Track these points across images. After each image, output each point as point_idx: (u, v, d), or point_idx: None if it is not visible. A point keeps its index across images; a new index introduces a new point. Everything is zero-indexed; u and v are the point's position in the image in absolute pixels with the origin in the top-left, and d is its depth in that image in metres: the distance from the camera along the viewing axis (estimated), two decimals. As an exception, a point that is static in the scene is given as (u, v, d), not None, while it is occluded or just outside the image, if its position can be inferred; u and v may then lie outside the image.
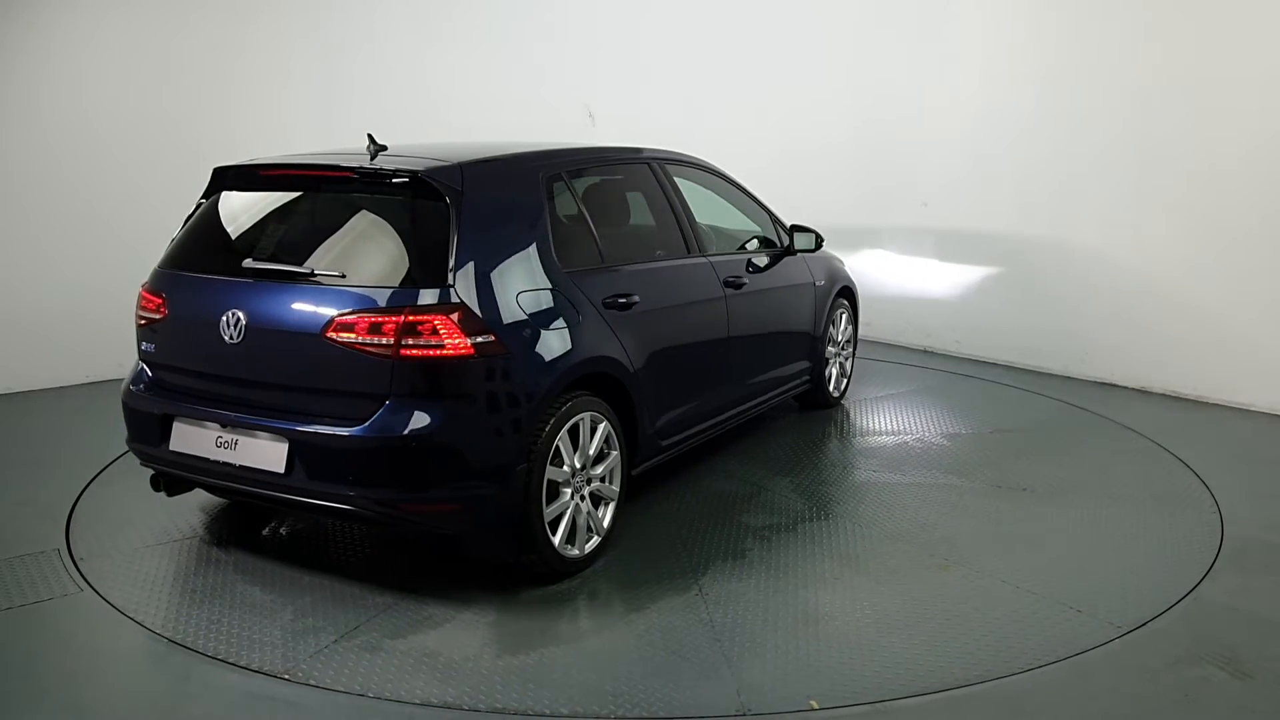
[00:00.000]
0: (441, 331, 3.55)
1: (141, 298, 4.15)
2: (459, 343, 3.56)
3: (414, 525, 3.78)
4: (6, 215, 6.48)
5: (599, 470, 4.11)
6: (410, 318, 3.54)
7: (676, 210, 5.00)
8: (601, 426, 4.08)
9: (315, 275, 3.74)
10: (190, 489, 4.32)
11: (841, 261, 6.64)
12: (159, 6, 6.89)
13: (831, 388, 6.45)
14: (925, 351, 8.17)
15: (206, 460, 3.85)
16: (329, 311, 3.61)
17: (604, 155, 4.79)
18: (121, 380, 4.40)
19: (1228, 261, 6.47)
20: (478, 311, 3.63)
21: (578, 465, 3.99)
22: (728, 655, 3.46)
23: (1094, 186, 7.10)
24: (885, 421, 6.32)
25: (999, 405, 6.75)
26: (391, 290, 3.61)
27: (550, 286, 3.98)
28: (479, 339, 3.60)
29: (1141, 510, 4.83)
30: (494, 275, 3.76)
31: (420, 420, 3.54)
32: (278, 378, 3.75)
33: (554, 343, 3.89)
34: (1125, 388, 7.02)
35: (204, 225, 4.22)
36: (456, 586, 3.91)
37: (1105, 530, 4.60)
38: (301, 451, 3.65)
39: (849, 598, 3.89)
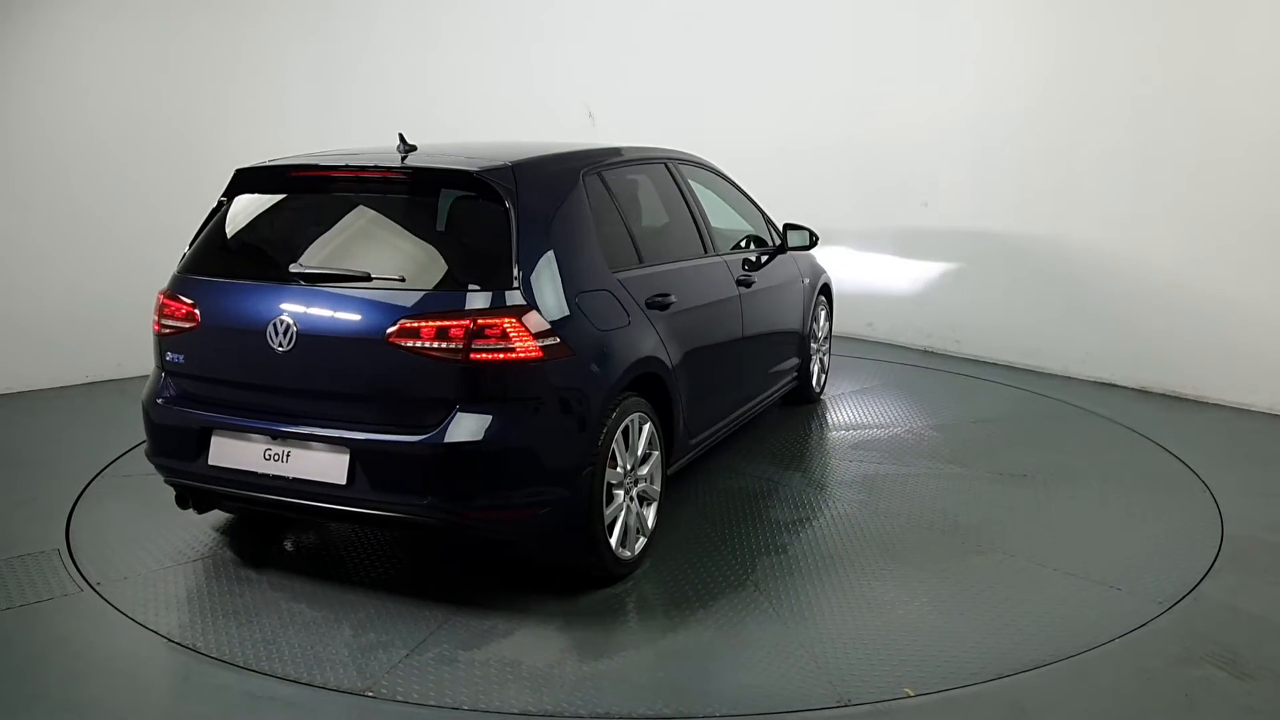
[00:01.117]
0: (511, 334, 3.47)
1: (164, 305, 3.95)
2: (528, 345, 3.50)
3: (480, 532, 3.69)
4: (7, 215, 6.48)
5: (644, 471, 4.09)
6: (480, 321, 3.46)
7: (693, 209, 5.03)
8: (646, 427, 4.07)
9: (372, 279, 3.62)
10: (215, 505, 4.19)
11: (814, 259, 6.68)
12: (159, 8, 6.89)
13: (814, 383, 6.55)
14: (925, 351, 8.17)
15: (253, 474, 3.68)
16: (391, 316, 3.50)
17: (628, 155, 4.75)
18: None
19: (1228, 261, 6.47)
20: (543, 313, 3.57)
21: (628, 466, 3.98)
22: (807, 648, 3.50)
23: (1094, 186, 7.10)
24: (869, 415, 6.43)
25: (974, 398, 6.89)
26: (457, 293, 3.51)
27: (605, 287, 3.95)
28: (546, 341, 3.54)
29: (1139, 495, 4.97)
30: (555, 276, 3.69)
31: (492, 425, 3.47)
32: (334, 386, 3.61)
33: (613, 344, 3.87)
34: (1125, 388, 7.02)
35: (233, 229, 4.05)
36: (508, 595, 3.85)
37: (1115, 512, 4.79)
38: (365, 461, 3.52)
39: (902, 586, 3.98)
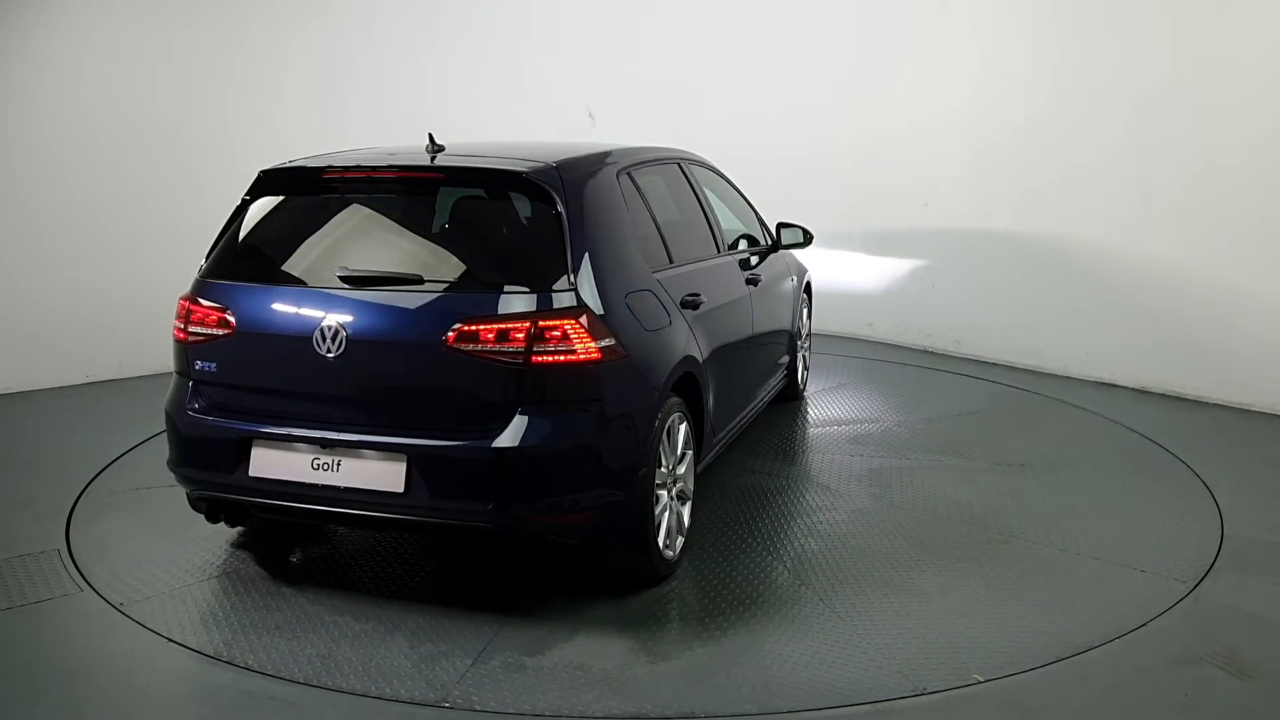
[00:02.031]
0: (572, 336, 3.44)
1: (191, 311, 3.80)
2: (589, 347, 3.47)
3: (540, 537, 3.63)
4: (7, 215, 6.48)
5: (681, 470, 4.09)
6: (541, 323, 3.41)
7: (706, 209, 5.05)
8: (683, 426, 4.06)
9: (426, 282, 3.55)
10: (245, 518, 4.11)
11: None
12: (158, 7, 6.89)
13: (799, 380, 6.62)
14: (925, 351, 8.17)
15: (300, 485, 3.57)
16: (448, 319, 3.43)
17: (649, 155, 4.73)
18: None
19: (1228, 261, 6.46)
20: (600, 315, 3.54)
21: (670, 466, 3.97)
22: (868, 640, 3.55)
23: (1094, 186, 7.10)
24: (855, 410, 6.52)
25: (953, 393, 7.00)
26: (514, 295, 3.46)
27: (648, 288, 3.94)
28: (604, 342, 3.52)
29: (1134, 480, 5.19)
30: (606, 277, 3.65)
31: (555, 428, 3.44)
32: (389, 392, 3.54)
33: (660, 344, 3.86)
34: (1125, 388, 7.02)
35: (262, 231, 3.94)
36: (554, 600, 3.82)
37: (1116, 498, 4.97)
38: (424, 468, 3.44)
39: (943, 575, 4.06)
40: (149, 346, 6.98)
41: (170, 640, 3.48)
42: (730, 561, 4.18)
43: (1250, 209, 6.33)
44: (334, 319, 3.52)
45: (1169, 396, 6.81)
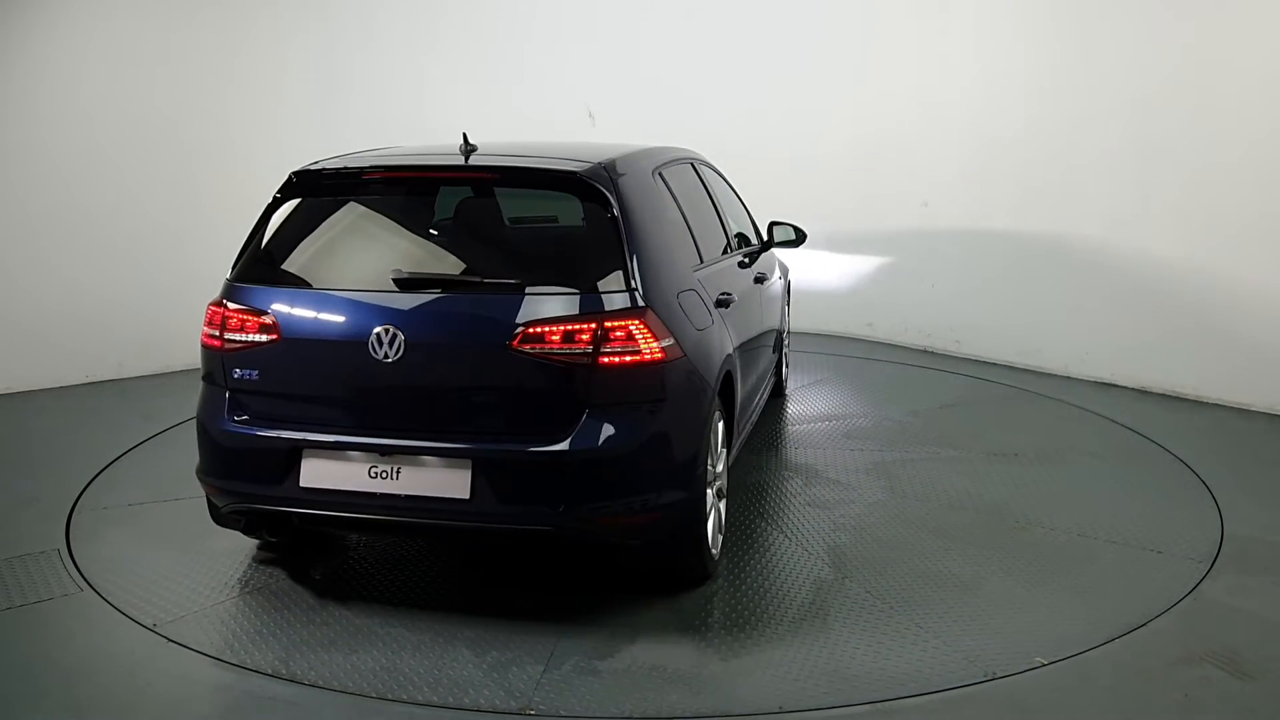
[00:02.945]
0: (637, 337, 3.41)
1: (227, 318, 3.65)
2: (652, 347, 3.44)
3: (603, 539, 3.59)
4: (7, 215, 6.48)
5: (719, 467, 4.08)
6: (607, 324, 3.38)
7: (720, 208, 5.07)
8: (720, 425, 4.05)
9: (486, 283, 3.50)
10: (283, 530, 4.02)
11: None
12: (157, 8, 6.89)
13: (783, 378, 6.64)
14: (925, 351, 8.17)
15: (357, 494, 3.46)
16: (513, 321, 3.37)
17: (673, 155, 4.72)
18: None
19: (1228, 261, 6.46)
20: (660, 314, 3.52)
21: (716, 465, 3.97)
22: (926, 629, 3.63)
23: (1094, 186, 7.10)
24: (840, 406, 6.59)
25: (928, 387, 7.10)
26: (577, 296, 3.41)
27: (693, 287, 3.92)
28: (665, 342, 3.49)
29: (1125, 467, 5.39)
30: (660, 277, 3.62)
31: (623, 430, 3.41)
32: (450, 396, 3.46)
33: (710, 343, 3.85)
34: (1125, 388, 7.02)
35: (299, 234, 3.83)
36: (604, 602, 3.81)
37: (1111, 484, 5.14)
38: (490, 473, 3.38)
39: (975, 564, 4.17)
40: (149, 347, 7.00)
41: (221, 660, 3.38)
42: (766, 558, 4.21)
43: (1250, 208, 6.33)
44: (391, 323, 3.42)
45: (1169, 396, 6.81)
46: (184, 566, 4.08)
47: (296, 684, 3.22)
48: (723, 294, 4.26)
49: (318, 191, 3.87)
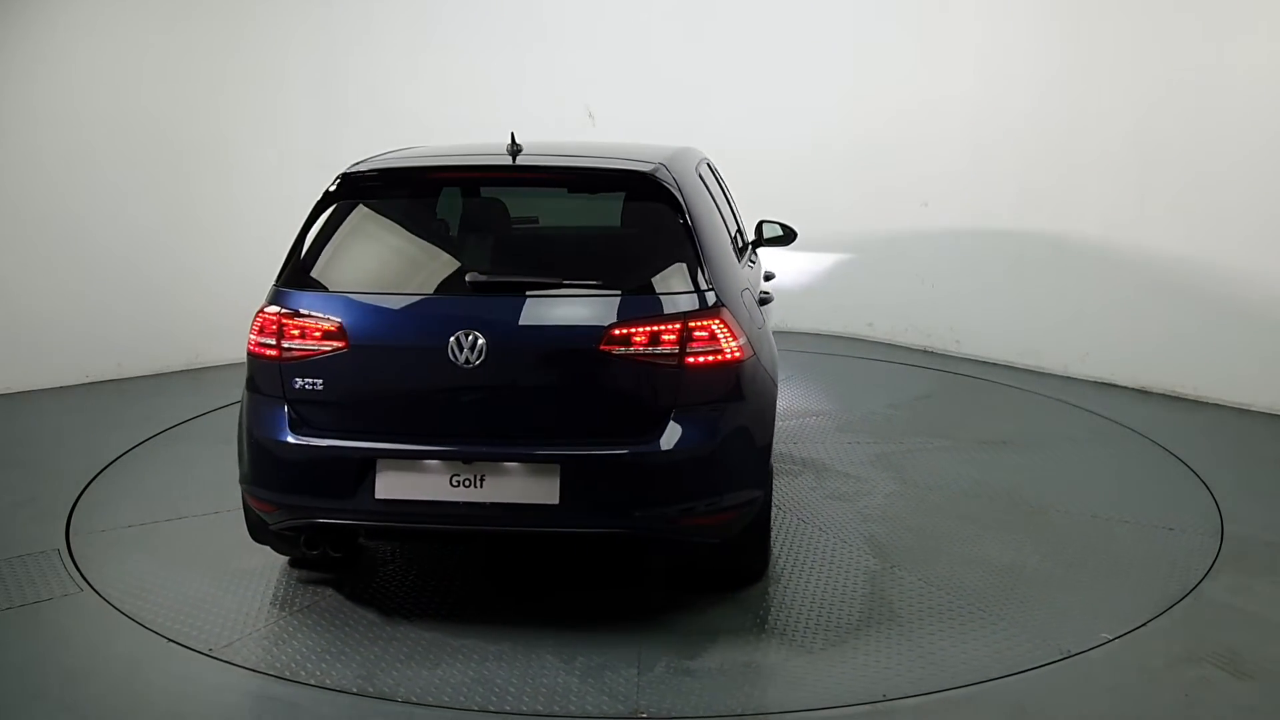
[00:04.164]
0: (719, 336, 3.40)
1: (285, 327, 3.46)
2: (731, 347, 3.43)
3: (690, 540, 3.58)
4: (6, 215, 6.48)
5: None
6: (690, 324, 3.36)
7: (734, 206, 5.09)
8: None
9: (565, 285, 3.46)
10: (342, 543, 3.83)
11: None
12: (151, 9, 6.88)
13: None
14: (925, 351, 8.17)
15: (438, 504, 3.36)
16: (597, 324, 3.33)
17: (696, 154, 4.69)
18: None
19: (1228, 261, 6.46)
20: (733, 314, 3.51)
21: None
22: (989, 610, 3.75)
23: (1094, 186, 7.09)
24: (821, 401, 6.67)
25: (896, 381, 7.21)
26: (662, 296, 3.40)
27: (747, 286, 3.91)
28: (741, 341, 3.48)
29: (1111, 450, 5.59)
30: (725, 276, 3.62)
31: (709, 430, 3.40)
32: (535, 400, 3.41)
33: (766, 341, 3.85)
34: (1125, 388, 7.01)
35: (357, 237, 3.73)
36: (671, 603, 3.81)
37: (1102, 467, 5.36)
38: (579, 477, 3.33)
39: (1010, 548, 4.29)
40: (147, 347, 7.00)
41: (300, 682, 3.25)
42: (809, 552, 4.25)
43: (1251, 208, 6.33)
44: (471, 327, 3.33)
45: (1169, 396, 6.81)
46: (218, 588, 3.89)
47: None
48: (764, 293, 4.27)
49: (369, 193, 3.76)
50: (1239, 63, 6.31)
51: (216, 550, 4.20)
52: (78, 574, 4.00)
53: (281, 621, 3.66)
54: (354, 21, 7.78)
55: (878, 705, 3.16)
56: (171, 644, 3.49)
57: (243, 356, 3.67)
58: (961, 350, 8.03)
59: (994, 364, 7.72)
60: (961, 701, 3.18)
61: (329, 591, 3.88)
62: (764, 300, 4.22)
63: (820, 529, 4.48)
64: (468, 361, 3.31)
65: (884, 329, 8.51)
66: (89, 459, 5.30)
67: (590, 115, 8.62)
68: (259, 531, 3.86)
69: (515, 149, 3.85)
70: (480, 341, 3.31)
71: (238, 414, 3.70)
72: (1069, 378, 7.29)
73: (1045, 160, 7.34)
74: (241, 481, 3.65)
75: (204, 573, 4.02)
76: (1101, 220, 7.07)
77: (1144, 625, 3.65)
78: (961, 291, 8.01)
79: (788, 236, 5.61)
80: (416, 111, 7.69)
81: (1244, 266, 6.40)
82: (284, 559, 4.07)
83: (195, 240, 7.14)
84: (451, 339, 3.32)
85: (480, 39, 8.29)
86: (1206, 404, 6.63)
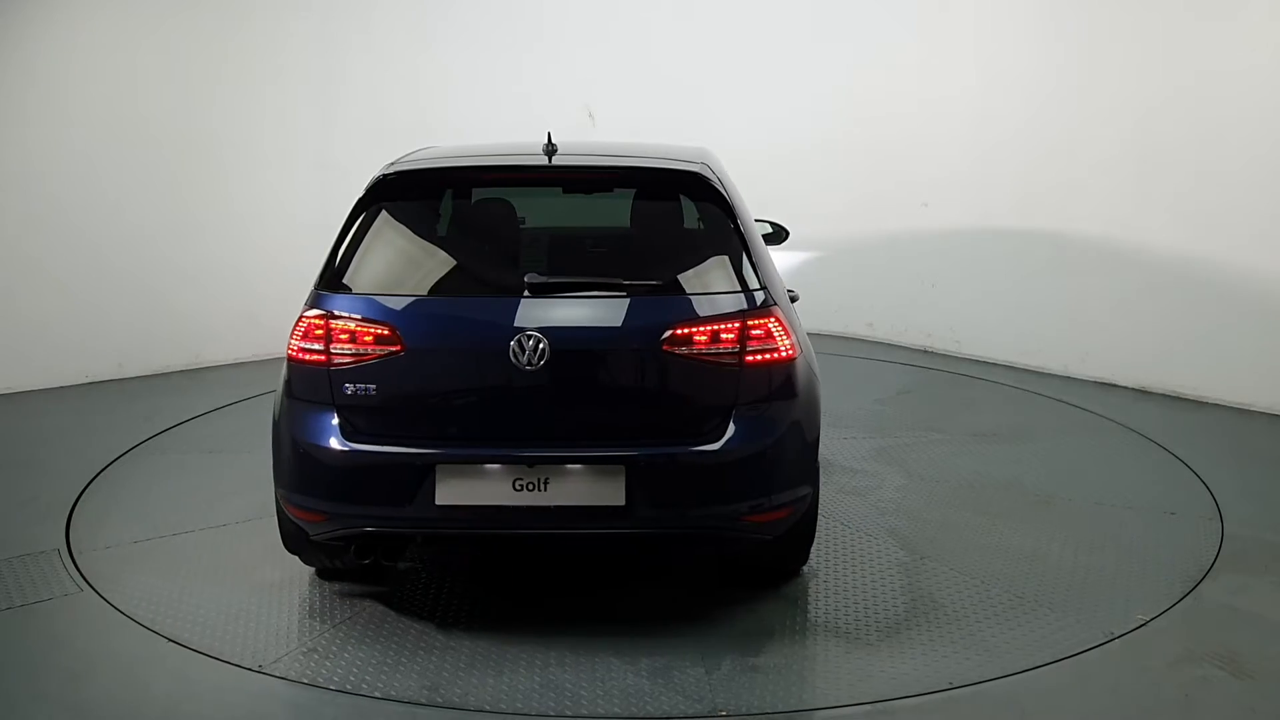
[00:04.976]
0: (775, 334, 3.43)
1: (334, 332, 3.36)
2: (785, 345, 3.46)
3: (746, 536, 3.58)
4: (7, 215, 6.47)
5: None
6: (749, 323, 3.38)
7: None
8: None
9: (625, 286, 3.44)
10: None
11: None
12: (149, 8, 6.87)
13: None
14: (925, 351, 8.17)
15: (501, 509, 3.33)
16: (658, 323, 3.32)
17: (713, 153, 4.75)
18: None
19: (1228, 261, 6.46)
20: (784, 312, 3.54)
21: None
22: (1027, 596, 3.85)
23: (1095, 186, 7.09)
24: None
25: (871, 376, 7.31)
26: (719, 296, 3.43)
27: (785, 285, 3.92)
28: (792, 340, 3.51)
29: (1097, 440, 5.74)
30: (772, 275, 3.64)
31: (768, 427, 3.44)
32: (599, 402, 3.41)
33: (806, 340, 3.85)
34: (1125, 388, 7.01)
35: (403, 239, 3.70)
36: (710, 599, 3.83)
37: (1091, 454, 5.53)
38: (645, 478, 3.32)
39: (1029, 536, 4.39)
40: (148, 347, 6.99)
41: (364, 695, 3.18)
42: (838, 546, 4.27)
43: (1251, 208, 6.33)
44: (532, 329, 3.28)
45: (1169, 396, 6.81)
46: (248, 601, 3.77)
47: (461, 710, 3.10)
48: (790, 289, 4.27)
49: (410, 194, 3.73)
50: (1240, 64, 6.31)
51: (236, 563, 4.10)
52: (78, 574, 4.00)
53: (326, 635, 3.56)
54: (354, 21, 7.78)
55: (877, 705, 3.16)
56: (213, 659, 3.39)
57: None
58: (962, 350, 8.02)
59: (994, 364, 7.72)
60: (962, 701, 3.18)
61: (366, 603, 3.78)
62: (793, 298, 4.24)
63: (843, 524, 4.52)
64: (530, 364, 3.27)
65: (884, 329, 8.51)
66: (89, 459, 5.29)
67: (590, 115, 8.62)
68: (294, 541, 3.76)
69: (551, 149, 3.82)
70: (543, 343, 3.28)
71: (272, 422, 3.60)
72: (1069, 377, 7.29)
73: (1046, 160, 7.34)
74: (281, 490, 3.55)
75: (229, 586, 3.90)
76: (1102, 220, 7.07)
77: (1144, 625, 3.65)
78: (961, 291, 8.01)
79: (779, 235, 5.56)
80: (417, 112, 7.68)
81: (1245, 267, 6.40)
82: (309, 570, 3.96)
83: (195, 240, 7.13)
84: (513, 341, 3.28)
85: (480, 39, 8.28)
86: (1206, 404, 6.62)
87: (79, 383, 6.76)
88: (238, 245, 7.26)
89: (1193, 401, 6.68)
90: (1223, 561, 4.19)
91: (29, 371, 6.58)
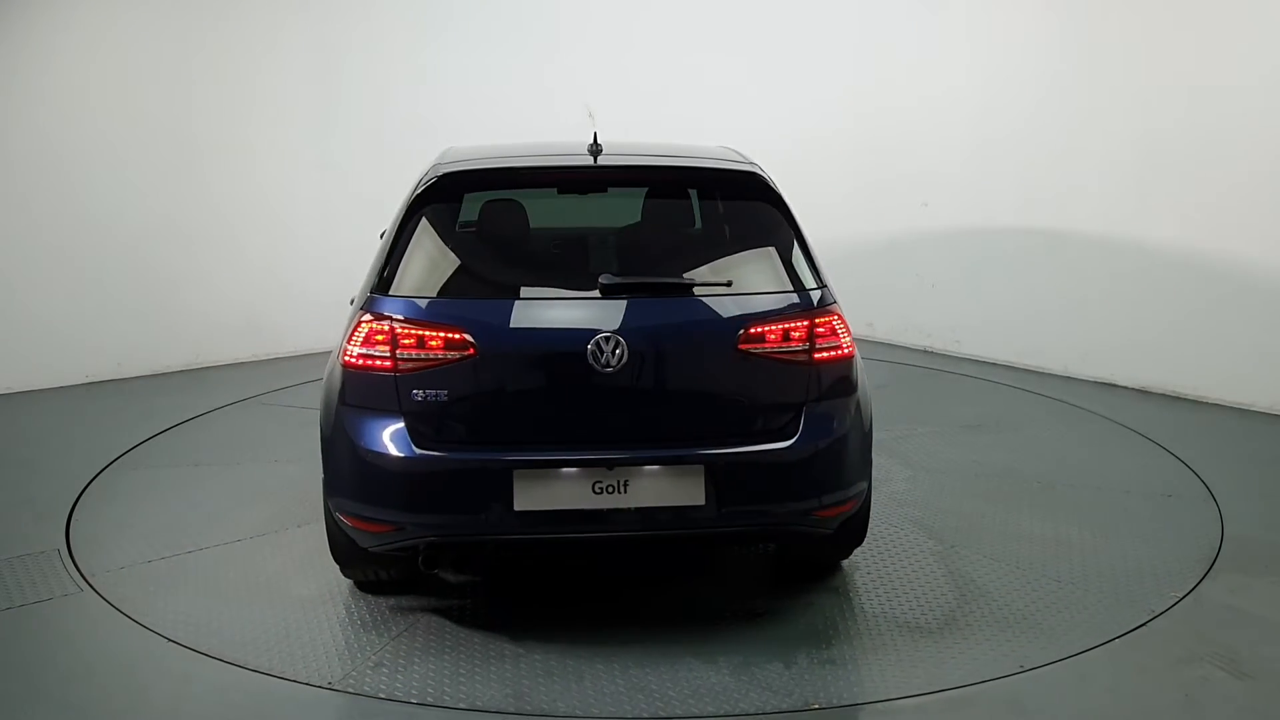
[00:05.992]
0: (839, 332, 3.50)
1: (400, 336, 3.27)
2: (846, 341, 3.53)
3: (815, 530, 3.59)
4: (7, 214, 6.48)
5: None
6: (816, 321, 3.45)
7: None
8: None
9: (697, 286, 3.49)
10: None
11: None
12: (152, 9, 6.87)
13: None
14: (926, 351, 8.17)
15: (581, 512, 3.29)
16: (732, 323, 3.37)
17: None
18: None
19: (1228, 261, 6.46)
20: (843, 310, 3.61)
21: None
22: (1066, 580, 3.96)
23: (1095, 186, 7.09)
24: None
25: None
26: (788, 294, 3.48)
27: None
28: (851, 336, 3.58)
29: (1083, 427, 5.90)
30: (822, 272, 3.67)
31: (836, 424, 3.49)
32: (677, 402, 3.42)
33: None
34: (1125, 388, 7.01)
35: (464, 241, 3.64)
36: (767, 595, 3.87)
37: (1078, 439, 5.68)
38: (724, 476, 3.34)
39: (1045, 522, 4.49)
40: (148, 347, 6.99)
41: (449, 707, 3.12)
42: (869, 538, 4.18)
43: (1252, 208, 6.33)
44: (610, 330, 3.27)
45: (1169, 396, 6.80)
46: (287, 618, 3.64)
47: (552, 718, 3.08)
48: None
49: (465, 193, 3.72)
50: (1240, 62, 6.31)
51: (265, 578, 3.96)
52: (78, 574, 4.00)
53: (389, 648, 3.46)
54: (355, 21, 7.78)
55: (877, 705, 3.16)
56: (282, 680, 3.27)
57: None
58: (961, 350, 8.03)
59: (994, 364, 7.72)
60: (961, 701, 3.19)
61: (418, 616, 3.68)
62: None
63: None
64: (608, 365, 3.26)
65: (884, 329, 8.51)
66: (89, 459, 5.29)
67: (590, 115, 8.61)
68: (343, 553, 3.66)
69: (596, 148, 3.81)
70: (621, 344, 3.26)
71: (321, 433, 3.50)
72: (1069, 377, 7.29)
73: (1046, 160, 7.34)
74: (338, 500, 3.45)
75: (265, 602, 3.77)
76: (1102, 219, 7.07)
77: (1144, 625, 3.65)
78: (961, 291, 8.01)
79: None
80: (417, 112, 7.69)
81: (1245, 267, 6.39)
82: (346, 583, 3.84)
83: (195, 240, 7.13)
84: (591, 343, 3.26)
85: (480, 39, 8.29)
86: (1206, 404, 6.62)
87: (79, 383, 6.76)
88: (237, 245, 7.26)
89: (1193, 401, 6.68)
90: (1223, 561, 4.18)
91: (29, 371, 6.59)
